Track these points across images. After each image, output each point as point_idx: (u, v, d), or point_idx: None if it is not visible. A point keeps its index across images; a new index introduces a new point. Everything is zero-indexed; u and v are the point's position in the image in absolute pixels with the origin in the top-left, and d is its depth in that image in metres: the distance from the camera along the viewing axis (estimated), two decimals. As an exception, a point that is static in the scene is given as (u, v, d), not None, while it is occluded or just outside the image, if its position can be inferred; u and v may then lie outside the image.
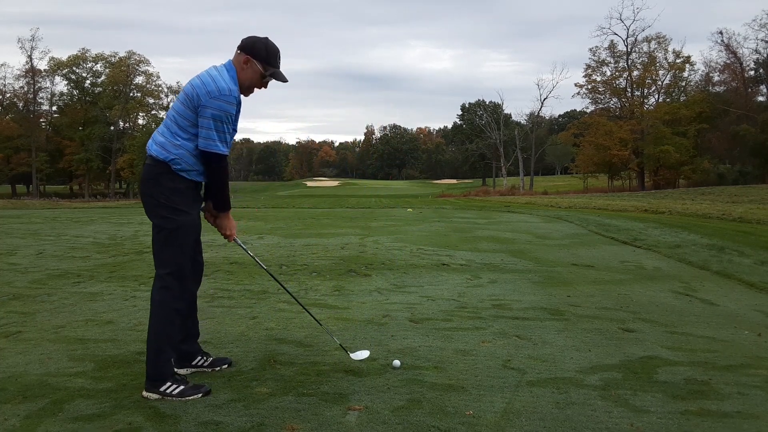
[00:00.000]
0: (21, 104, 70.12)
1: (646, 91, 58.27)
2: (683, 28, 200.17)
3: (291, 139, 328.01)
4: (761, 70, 53.09)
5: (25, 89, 69.00)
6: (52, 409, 2.86)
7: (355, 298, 5.63)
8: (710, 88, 55.56)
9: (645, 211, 22.01)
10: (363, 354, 3.49)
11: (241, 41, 3.17)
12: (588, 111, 64.03)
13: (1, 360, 3.64)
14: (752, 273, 7.28)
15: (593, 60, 58.89)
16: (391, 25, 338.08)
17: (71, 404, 2.93)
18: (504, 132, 71.11)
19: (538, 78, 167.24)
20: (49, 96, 71.57)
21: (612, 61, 58.31)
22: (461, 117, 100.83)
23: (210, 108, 3.00)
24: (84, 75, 71.81)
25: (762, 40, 51.10)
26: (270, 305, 5.27)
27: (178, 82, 72.29)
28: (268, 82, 3.22)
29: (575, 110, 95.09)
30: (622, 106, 58.86)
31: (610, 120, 56.75)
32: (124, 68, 69.06)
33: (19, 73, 72.02)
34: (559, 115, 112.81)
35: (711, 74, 56.33)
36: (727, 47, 52.95)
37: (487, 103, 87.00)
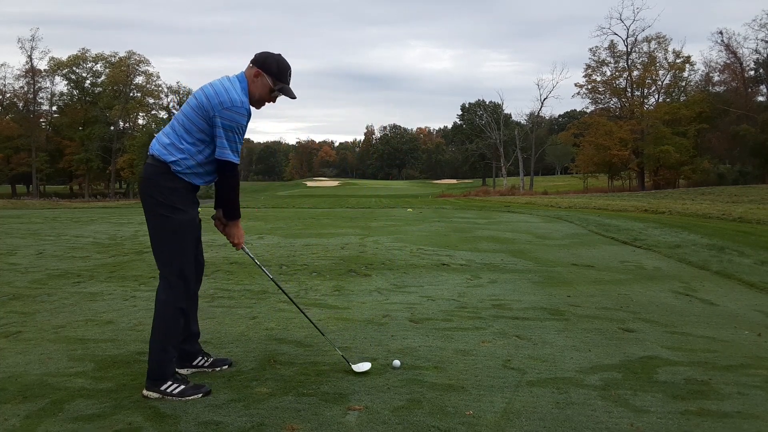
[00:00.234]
0: (21, 104, 70.13)
1: (646, 91, 58.27)
2: (683, 28, 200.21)
3: (291, 139, 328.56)
4: (761, 70, 53.09)
5: (25, 89, 69.05)
6: (52, 409, 2.86)
7: (355, 298, 5.63)
8: (710, 88, 55.56)
9: (645, 211, 22.01)
10: (365, 366, 3.46)
11: (255, 55, 3.23)
12: (588, 111, 64.04)
13: (1, 360, 3.64)
14: (752, 273, 7.28)
15: (593, 60, 58.94)
16: (391, 25, 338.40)
17: (71, 404, 2.93)
18: (504, 132, 71.10)
19: (538, 78, 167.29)
20: (49, 96, 71.67)
21: (612, 61, 58.34)
22: (461, 117, 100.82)
23: (222, 118, 3.06)
24: (84, 75, 71.83)
25: (762, 40, 51.14)
26: (270, 305, 5.27)
27: (178, 82, 72.66)
28: (276, 96, 3.27)
29: (575, 110, 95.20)
30: (622, 106, 58.86)
31: (610, 120, 56.74)
32: (124, 68, 69.08)
33: (19, 73, 72.12)
34: (559, 115, 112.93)
35: (711, 74, 56.38)
36: (727, 47, 52.99)
37: (487, 103, 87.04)
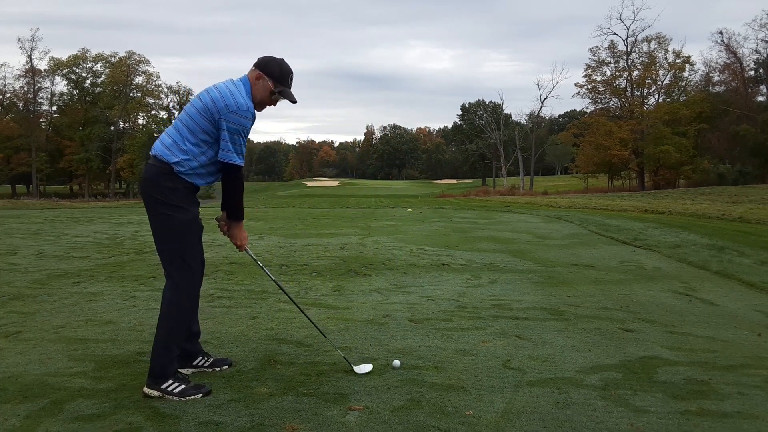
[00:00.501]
0: (21, 104, 70.12)
1: (646, 91, 58.27)
2: (683, 28, 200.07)
3: (291, 139, 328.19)
4: (761, 70, 53.09)
5: (25, 89, 69.03)
6: (52, 409, 2.86)
7: (355, 298, 5.63)
8: (710, 88, 55.56)
9: (645, 211, 22.01)
10: (366, 368, 3.45)
11: (258, 59, 3.26)
12: (588, 111, 64.04)
13: (1, 360, 3.64)
14: (752, 273, 7.28)
15: (593, 60, 58.94)
16: (391, 25, 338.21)
17: (71, 404, 2.93)
18: (504, 132, 71.09)
19: (538, 78, 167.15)
20: (49, 96, 71.65)
21: (612, 61, 58.33)
22: (461, 117, 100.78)
23: (228, 122, 3.08)
24: (84, 75, 71.82)
25: (762, 40, 51.14)
26: (270, 305, 5.27)
27: (178, 82, 72.66)
28: (277, 100, 3.29)
29: (575, 110, 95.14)
30: (622, 106, 58.85)
31: (610, 120, 56.74)
32: (124, 68, 69.07)
33: (19, 73, 72.07)
34: (559, 115, 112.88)
35: (711, 74, 56.38)
36: (727, 47, 52.98)
37: (487, 103, 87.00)
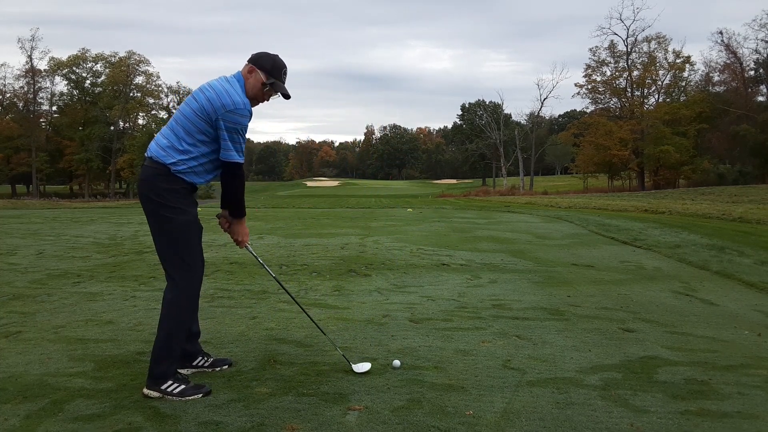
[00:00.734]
0: (21, 104, 70.11)
1: (646, 91, 58.27)
2: (683, 28, 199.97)
3: (291, 139, 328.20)
4: (761, 70, 53.08)
5: (25, 89, 69.02)
6: (52, 409, 2.86)
7: (355, 298, 5.63)
8: (710, 88, 55.55)
9: (645, 211, 22.01)
10: (365, 366, 3.45)
11: (252, 54, 3.24)
12: (588, 111, 64.03)
13: (1, 360, 3.64)
14: (752, 273, 7.28)
15: (593, 60, 58.92)
16: (391, 25, 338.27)
17: (71, 404, 2.93)
18: (504, 132, 71.08)
19: (538, 78, 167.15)
20: (49, 96, 71.64)
21: (612, 61, 58.31)
22: (461, 117, 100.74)
23: (225, 121, 3.07)
24: (84, 75, 71.81)
25: (762, 40, 51.12)
26: (270, 305, 5.27)
27: (178, 82, 72.56)
28: (269, 94, 3.25)
29: (575, 110, 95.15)
30: (622, 106, 58.85)
31: (610, 120, 56.74)
32: (124, 68, 69.07)
33: (19, 73, 72.10)
34: (559, 115, 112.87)
35: (711, 74, 56.37)
36: (727, 47, 52.97)
37: (487, 103, 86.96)
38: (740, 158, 52.54)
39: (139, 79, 71.60)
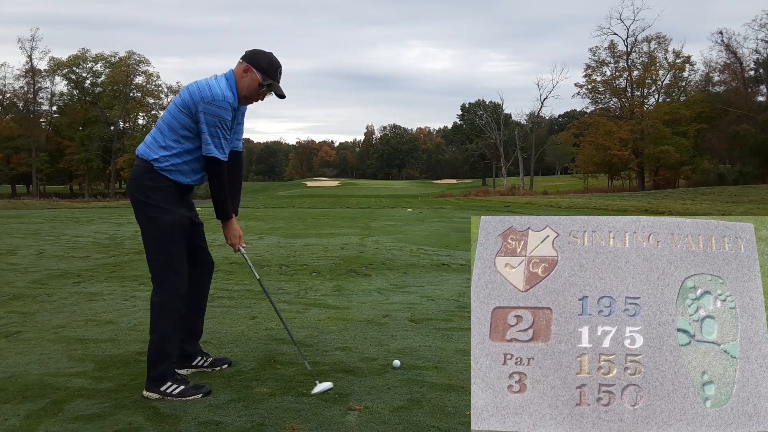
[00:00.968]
0: (21, 104, 70.10)
1: (646, 91, 58.33)
2: (683, 28, 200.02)
3: (291, 139, 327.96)
4: (761, 70, 53.14)
5: (25, 89, 69.00)
6: (52, 409, 2.86)
7: (355, 298, 5.63)
8: (710, 88, 55.62)
9: (645, 211, 22.02)
10: (326, 386, 3.15)
11: (245, 52, 3.20)
12: (588, 111, 64.08)
13: (1, 360, 3.64)
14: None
15: (593, 60, 58.99)
16: (391, 25, 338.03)
17: (71, 404, 2.92)
18: (504, 132, 71.12)
19: (538, 78, 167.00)
20: (49, 96, 71.59)
21: (612, 61, 58.38)
22: (461, 117, 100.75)
23: (204, 113, 3.03)
24: (84, 75, 71.77)
25: (762, 40, 51.17)
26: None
27: (178, 82, 72.20)
28: (265, 93, 3.22)
29: (575, 110, 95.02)
30: (622, 106, 58.90)
31: (610, 120, 56.78)
32: (124, 68, 69.04)
33: (19, 73, 71.77)
34: (559, 115, 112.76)
35: (711, 74, 56.46)
36: (727, 47, 53.03)
37: (487, 103, 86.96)
38: (740, 158, 52.59)
39: (139, 79, 71.61)
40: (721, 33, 52.87)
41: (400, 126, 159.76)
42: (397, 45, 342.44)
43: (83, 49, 70.95)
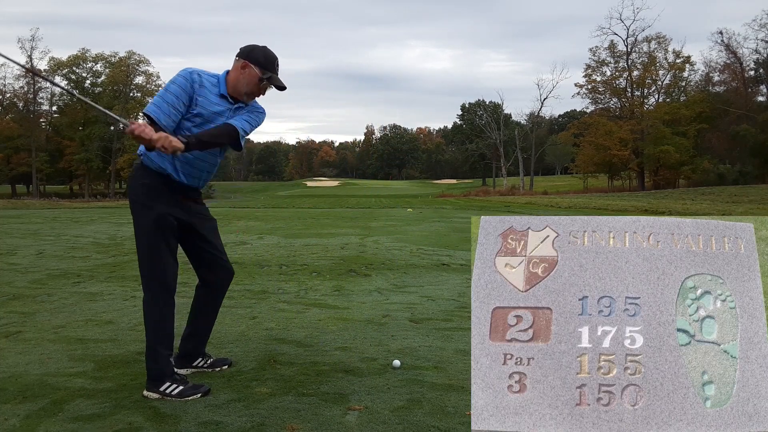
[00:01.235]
0: (21, 104, 70.11)
1: (646, 91, 58.34)
2: (683, 28, 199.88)
3: (291, 139, 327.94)
4: (761, 70, 53.15)
5: (25, 89, 68.98)
6: (52, 409, 2.86)
7: (355, 298, 5.63)
8: (710, 88, 55.63)
9: (645, 211, 22.02)
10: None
11: (240, 49, 3.19)
12: (588, 111, 64.08)
13: (1, 360, 3.64)
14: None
15: (593, 60, 59.01)
16: (391, 25, 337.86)
17: (71, 404, 2.92)
18: (504, 132, 71.15)
19: (538, 78, 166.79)
20: (49, 96, 71.51)
21: (612, 61, 58.39)
22: (461, 117, 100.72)
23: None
24: (84, 75, 71.80)
25: (762, 40, 51.18)
26: (270, 305, 5.27)
27: (178, 83, 72.09)
28: (266, 87, 3.21)
29: (575, 110, 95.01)
30: (622, 106, 58.91)
31: (610, 120, 56.79)
32: (124, 68, 69.05)
33: (19, 73, 71.84)
34: (559, 115, 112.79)
35: (711, 74, 56.48)
36: (727, 47, 53.05)
37: (487, 103, 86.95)
38: (740, 158, 52.61)
39: (139, 79, 71.62)
40: (721, 33, 52.94)
41: (400, 126, 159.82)
42: (397, 45, 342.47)
43: (83, 49, 71.04)
